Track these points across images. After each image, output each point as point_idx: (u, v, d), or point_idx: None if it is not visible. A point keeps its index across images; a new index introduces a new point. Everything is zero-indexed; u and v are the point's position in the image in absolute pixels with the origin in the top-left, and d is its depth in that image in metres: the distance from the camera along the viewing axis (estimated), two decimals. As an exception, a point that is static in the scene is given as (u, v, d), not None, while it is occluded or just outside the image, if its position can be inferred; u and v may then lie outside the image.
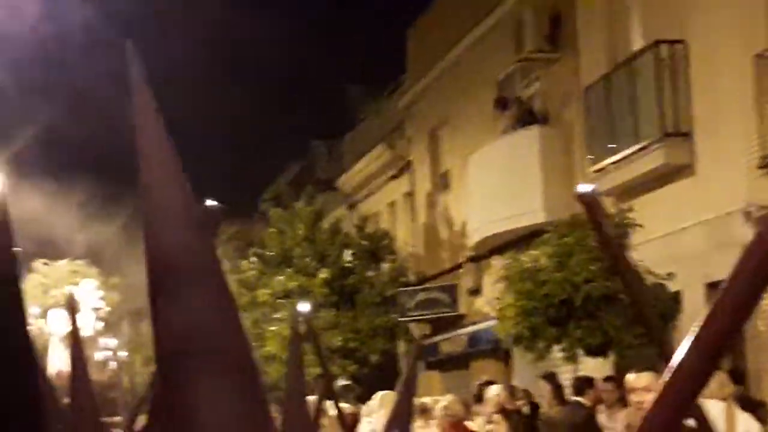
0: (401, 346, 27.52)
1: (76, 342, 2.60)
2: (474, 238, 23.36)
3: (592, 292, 14.77)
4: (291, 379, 1.77)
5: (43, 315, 47.43)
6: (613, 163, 18.11)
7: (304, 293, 26.04)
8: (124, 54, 1.33)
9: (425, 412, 12.71)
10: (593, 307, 14.92)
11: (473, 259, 24.82)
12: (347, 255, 27.77)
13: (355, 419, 12.47)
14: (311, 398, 1.82)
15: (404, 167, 30.42)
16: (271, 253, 28.26)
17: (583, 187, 1.16)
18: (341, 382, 23.82)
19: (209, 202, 1.76)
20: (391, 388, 13.18)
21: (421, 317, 25.97)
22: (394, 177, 31.29)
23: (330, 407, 2.85)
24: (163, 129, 1.29)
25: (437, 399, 13.58)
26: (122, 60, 1.30)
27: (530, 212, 20.55)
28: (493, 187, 21.84)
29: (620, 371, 13.29)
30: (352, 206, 34.42)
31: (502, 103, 22.60)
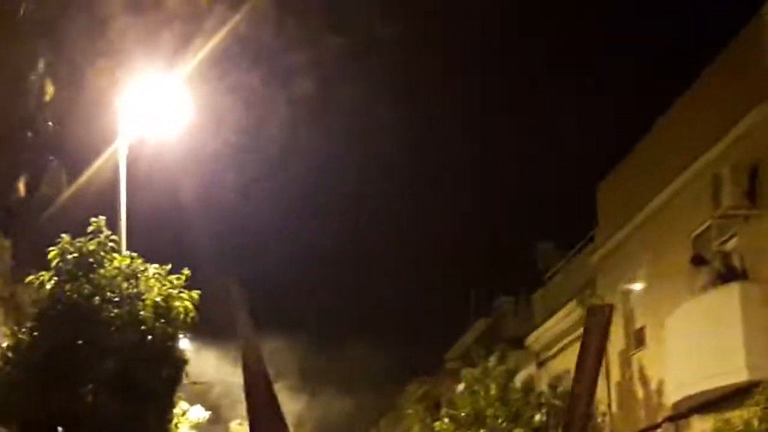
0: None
1: None
2: (673, 397, 22.67)
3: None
4: None
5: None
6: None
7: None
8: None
9: None
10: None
11: (671, 419, 24.11)
12: (541, 415, 27.26)
13: None
14: None
15: (596, 324, 29.91)
16: (464, 414, 27.99)
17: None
18: None
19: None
20: None
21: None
22: (585, 334, 30.75)
23: None
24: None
25: None
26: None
27: (733, 371, 19.87)
28: (692, 344, 21.27)
29: None
30: (542, 364, 33.97)
31: (699, 260, 22.13)
